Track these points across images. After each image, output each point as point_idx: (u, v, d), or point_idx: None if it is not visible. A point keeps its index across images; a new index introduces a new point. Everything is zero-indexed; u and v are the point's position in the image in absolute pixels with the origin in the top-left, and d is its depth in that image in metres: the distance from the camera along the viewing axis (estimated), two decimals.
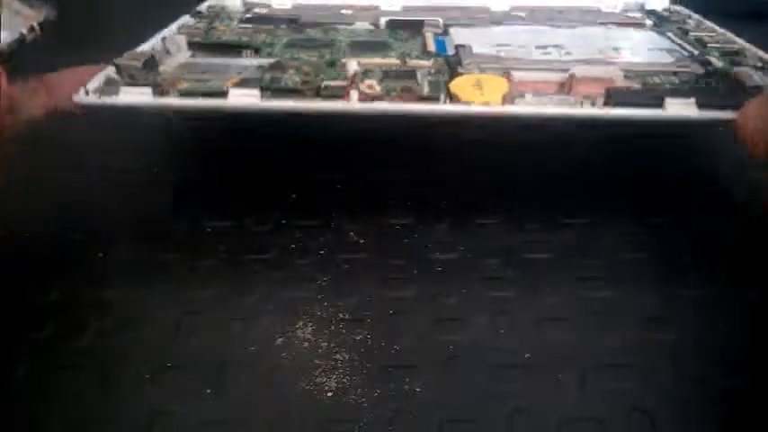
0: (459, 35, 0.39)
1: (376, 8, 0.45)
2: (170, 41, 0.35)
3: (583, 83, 0.32)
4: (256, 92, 0.30)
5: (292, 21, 0.41)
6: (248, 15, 0.43)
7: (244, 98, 0.30)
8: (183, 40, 0.36)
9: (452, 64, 0.35)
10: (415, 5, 0.45)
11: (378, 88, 0.31)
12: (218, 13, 0.43)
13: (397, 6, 0.46)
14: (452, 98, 0.30)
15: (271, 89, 0.31)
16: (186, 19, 0.41)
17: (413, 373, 0.24)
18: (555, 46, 0.38)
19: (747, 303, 0.27)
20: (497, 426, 0.23)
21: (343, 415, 0.23)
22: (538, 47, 0.38)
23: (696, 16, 0.44)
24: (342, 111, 0.30)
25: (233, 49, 0.37)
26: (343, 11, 0.44)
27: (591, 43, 0.39)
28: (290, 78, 0.32)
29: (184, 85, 0.31)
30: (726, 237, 0.30)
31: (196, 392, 0.23)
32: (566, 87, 0.32)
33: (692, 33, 0.40)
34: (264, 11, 0.44)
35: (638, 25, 0.43)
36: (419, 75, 0.33)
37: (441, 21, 0.41)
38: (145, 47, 0.34)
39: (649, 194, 0.33)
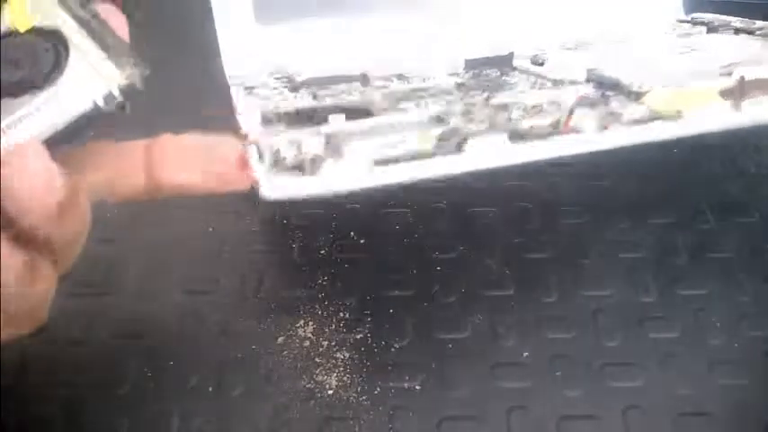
0: (561, 61, 0.36)
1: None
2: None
3: (756, 86, 0.29)
4: (503, 136, 0.24)
5: (363, 77, 0.36)
6: (300, 79, 0.36)
7: (489, 147, 0.24)
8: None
9: (614, 86, 0.31)
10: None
11: (590, 120, 0.26)
12: (254, 84, 0.36)
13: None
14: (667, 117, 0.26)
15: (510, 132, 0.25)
16: (235, 90, 0.34)
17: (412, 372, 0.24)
18: (681, 55, 0.34)
19: None
20: (496, 423, 0.23)
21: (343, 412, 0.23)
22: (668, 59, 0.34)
23: (730, 18, 0.43)
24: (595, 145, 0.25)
25: (318, 115, 0.30)
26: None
27: (707, 53, 0.36)
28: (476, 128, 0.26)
29: (375, 153, 0.24)
30: None
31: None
32: (736, 92, 0.29)
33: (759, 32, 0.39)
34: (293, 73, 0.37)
35: (698, 33, 0.41)
36: (609, 100, 0.29)
37: (530, 53, 0.38)
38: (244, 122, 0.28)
39: None
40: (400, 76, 0.36)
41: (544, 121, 0.26)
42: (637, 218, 0.30)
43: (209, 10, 0.39)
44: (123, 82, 0.20)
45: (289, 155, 0.24)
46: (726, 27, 0.42)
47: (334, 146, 0.25)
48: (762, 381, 0.24)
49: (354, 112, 0.30)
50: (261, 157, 0.24)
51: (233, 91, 0.34)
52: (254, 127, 0.26)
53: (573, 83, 0.33)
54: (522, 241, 0.29)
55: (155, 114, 0.33)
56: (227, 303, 0.27)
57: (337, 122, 0.29)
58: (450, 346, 0.25)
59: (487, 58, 0.37)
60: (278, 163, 0.24)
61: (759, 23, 0.41)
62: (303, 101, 0.33)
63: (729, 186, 0.29)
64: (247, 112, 0.29)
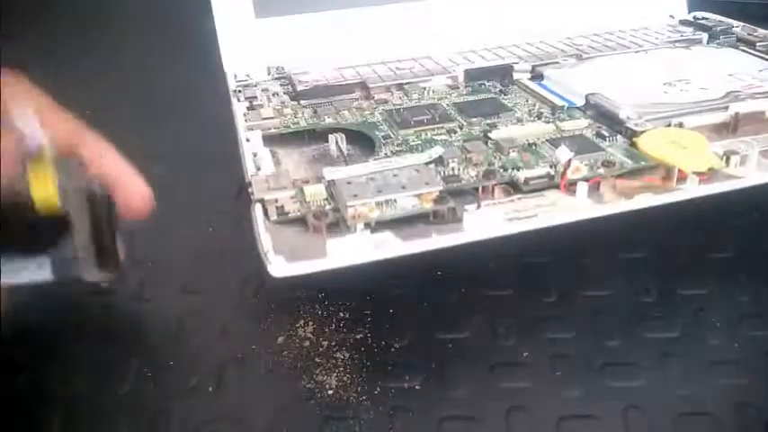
0: (560, 78, 0.36)
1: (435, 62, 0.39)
2: (256, 147, 0.29)
3: (750, 119, 0.30)
4: (500, 214, 0.25)
5: (363, 87, 0.36)
6: (301, 88, 0.35)
7: (485, 223, 0.25)
8: (258, 136, 0.30)
9: (609, 118, 0.31)
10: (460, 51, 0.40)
11: (583, 170, 0.27)
12: (254, 93, 0.36)
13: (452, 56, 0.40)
14: (658, 168, 0.27)
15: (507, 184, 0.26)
16: (238, 105, 0.34)
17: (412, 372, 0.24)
18: (680, 81, 0.35)
19: None
20: (496, 423, 0.23)
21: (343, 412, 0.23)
22: (665, 83, 0.35)
23: (731, 21, 0.43)
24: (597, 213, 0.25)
25: (319, 134, 0.31)
26: (400, 66, 0.38)
27: (705, 71, 0.36)
28: (474, 176, 0.27)
29: (375, 214, 0.24)
30: None
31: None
32: (729, 128, 0.30)
33: (760, 45, 0.39)
34: (307, 79, 0.37)
35: (696, 41, 0.41)
36: (604, 144, 0.29)
37: (529, 64, 0.38)
38: (249, 164, 0.28)
39: None
40: (400, 87, 0.36)
41: (540, 172, 0.27)
42: (638, 218, 0.30)
43: (208, 5, 0.39)
44: (97, 278, 0.22)
45: (292, 209, 0.25)
46: (727, 34, 0.42)
47: (336, 199, 0.25)
48: (762, 380, 0.24)
49: (355, 134, 0.31)
50: (266, 213, 0.25)
51: (234, 107, 0.34)
52: (260, 184, 0.26)
53: (570, 109, 0.33)
54: (522, 241, 0.29)
55: (153, 112, 0.33)
56: (227, 303, 0.27)
57: (336, 142, 0.30)
58: (450, 346, 0.25)
59: (487, 68, 0.37)
60: (282, 217, 0.25)
61: (760, 32, 0.41)
62: (304, 116, 0.33)
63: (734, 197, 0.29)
64: (251, 152, 0.29)
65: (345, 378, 0.24)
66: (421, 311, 0.27)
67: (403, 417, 0.23)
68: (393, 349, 0.25)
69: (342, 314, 0.26)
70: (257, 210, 0.25)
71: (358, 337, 0.26)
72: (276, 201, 0.25)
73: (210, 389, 0.24)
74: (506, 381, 0.24)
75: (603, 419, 0.23)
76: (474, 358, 0.25)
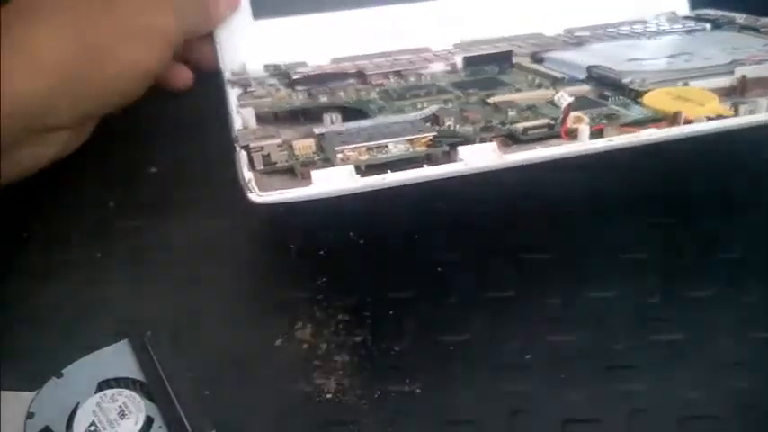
0: (561, 57, 0.35)
1: (429, 50, 0.39)
2: (248, 122, 0.28)
3: (758, 84, 0.29)
4: (492, 145, 0.24)
5: (359, 75, 0.35)
6: (296, 77, 0.35)
7: (479, 154, 0.23)
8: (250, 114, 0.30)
9: (614, 84, 0.30)
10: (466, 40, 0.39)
11: (585, 119, 0.26)
12: (249, 82, 0.36)
13: (448, 45, 0.39)
14: (664, 118, 0.26)
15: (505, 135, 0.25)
16: (232, 91, 0.33)
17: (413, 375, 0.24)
18: (683, 54, 0.34)
19: None
20: (498, 427, 0.23)
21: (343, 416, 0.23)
22: (668, 57, 0.34)
23: (735, 14, 0.43)
24: (592, 149, 0.24)
25: (314, 113, 0.30)
26: (398, 57, 0.38)
27: (709, 47, 0.35)
28: (471, 130, 0.26)
29: (365, 158, 0.24)
30: None
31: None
32: (738, 91, 0.29)
33: (763, 29, 0.38)
34: (305, 70, 0.36)
35: (699, 30, 0.41)
36: (607, 102, 0.28)
37: (529, 51, 0.37)
38: (237, 124, 0.28)
39: None
40: (397, 74, 0.35)
41: (540, 122, 0.25)
42: (640, 218, 0.30)
43: None
44: None
45: (279, 159, 0.24)
46: (730, 24, 0.42)
47: (325, 148, 0.24)
48: None
49: (350, 111, 0.30)
50: (252, 161, 0.24)
51: (227, 89, 0.33)
52: (244, 131, 0.25)
53: (572, 81, 0.32)
54: (523, 242, 0.29)
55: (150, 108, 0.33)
56: (224, 305, 0.27)
57: (331, 122, 0.29)
58: (452, 348, 0.25)
59: (487, 55, 0.37)
60: (268, 167, 0.24)
61: (763, 20, 0.40)
62: (299, 98, 0.32)
63: (735, 185, 0.28)
64: (240, 114, 0.29)
65: (344, 381, 0.24)
66: (421, 313, 0.26)
67: (403, 421, 0.23)
68: (393, 352, 0.25)
69: (341, 316, 0.26)
70: (242, 155, 0.24)
71: (357, 339, 0.25)
72: (262, 149, 0.24)
73: (207, 392, 0.23)
74: (509, 384, 0.24)
75: (608, 423, 0.22)
76: (475, 361, 0.25)
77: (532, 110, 0.28)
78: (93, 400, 0.22)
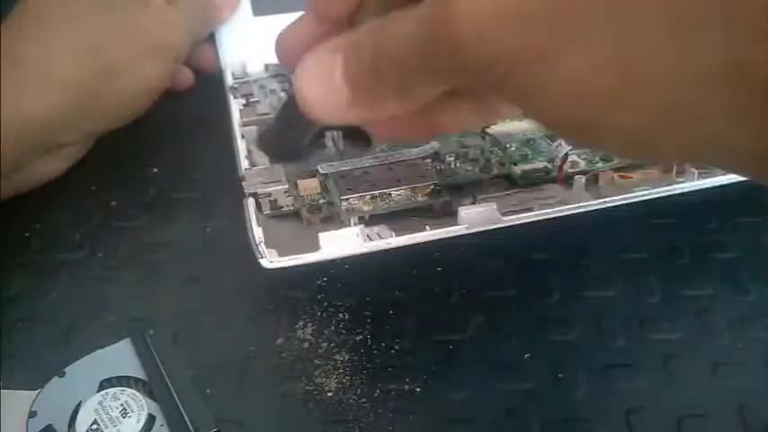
0: None
1: None
2: (251, 143, 0.29)
3: None
4: (493, 206, 0.24)
5: None
6: None
7: (480, 216, 0.24)
8: (253, 133, 0.30)
9: None
10: None
11: (581, 164, 0.27)
12: (251, 90, 0.35)
13: None
14: None
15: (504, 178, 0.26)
16: (234, 102, 0.34)
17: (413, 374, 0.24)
18: None
19: None
20: (497, 425, 0.23)
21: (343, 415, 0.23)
22: None
23: None
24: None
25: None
26: None
27: None
28: (470, 171, 0.27)
29: (368, 208, 0.24)
30: None
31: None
32: None
33: None
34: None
35: None
36: None
37: None
38: (243, 160, 0.28)
39: None
40: None
41: (537, 166, 0.26)
42: (639, 217, 0.30)
43: None
44: None
45: (286, 203, 0.25)
46: None
47: (329, 191, 0.25)
48: (765, 382, 0.24)
49: (352, 133, 0.30)
50: (259, 206, 0.24)
51: (230, 100, 0.33)
52: (252, 177, 0.26)
53: None
54: (523, 242, 0.29)
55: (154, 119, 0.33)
56: (226, 304, 0.27)
57: (332, 139, 0.29)
58: (451, 347, 0.25)
59: None
60: (275, 211, 0.24)
61: None
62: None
63: (732, 186, 0.28)
64: (245, 137, 0.29)
65: (345, 380, 0.24)
66: (421, 312, 0.26)
67: (403, 419, 0.23)
68: (393, 351, 0.25)
69: (341, 315, 0.26)
70: (249, 203, 0.25)
71: (357, 338, 0.25)
72: (269, 195, 0.25)
73: (208, 391, 0.24)
74: (507, 383, 0.24)
75: (606, 421, 0.23)
76: (475, 360, 0.25)
77: (530, 146, 0.28)
78: (95, 398, 0.22)
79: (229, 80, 0.36)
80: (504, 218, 0.24)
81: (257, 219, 0.24)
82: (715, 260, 0.28)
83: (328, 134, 0.30)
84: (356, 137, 0.30)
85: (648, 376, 0.24)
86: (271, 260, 0.22)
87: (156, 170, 0.34)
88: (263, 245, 0.22)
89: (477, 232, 0.24)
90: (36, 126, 0.27)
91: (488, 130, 0.29)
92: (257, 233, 0.23)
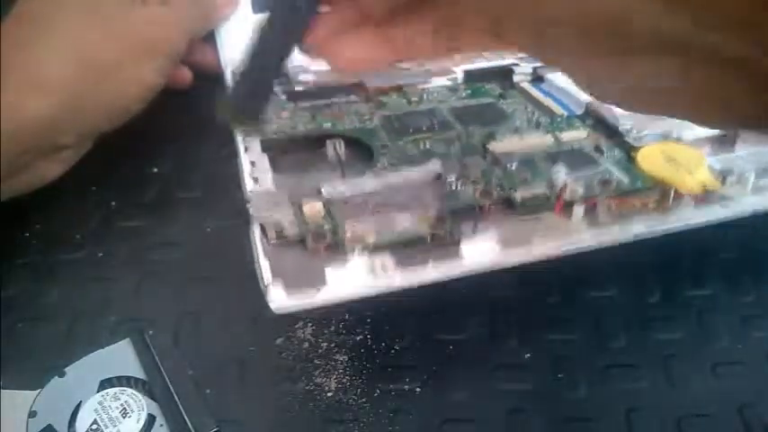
0: (561, 82, 0.34)
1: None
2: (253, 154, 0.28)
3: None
4: (494, 243, 0.24)
5: (359, 86, 0.34)
6: (299, 88, 0.34)
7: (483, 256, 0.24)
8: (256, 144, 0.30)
9: (608, 128, 0.30)
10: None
11: (579, 191, 0.26)
12: None
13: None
14: (654, 188, 0.27)
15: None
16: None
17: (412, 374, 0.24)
18: None
19: None
20: (497, 425, 0.23)
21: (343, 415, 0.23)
22: None
23: None
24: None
25: (317, 141, 0.31)
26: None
27: None
28: (471, 194, 0.27)
29: (372, 239, 0.24)
30: None
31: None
32: (729, 140, 0.29)
33: None
34: (306, 78, 0.35)
35: None
36: (602, 159, 0.28)
37: (530, 66, 0.36)
38: (248, 178, 0.27)
39: None
40: (398, 89, 0.35)
41: (536, 192, 0.26)
42: None
43: None
44: None
45: (291, 231, 0.25)
46: None
47: (334, 217, 0.25)
48: (765, 382, 0.24)
49: (354, 144, 0.30)
50: (264, 233, 0.24)
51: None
52: (258, 201, 0.26)
53: (570, 119, 0.32)
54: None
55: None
56: (226, 304, 0.27)
57: (334, 149, 0.30)
58: (451, 347, 0.25)
59: (487, 69, 0.37)
60: (281, 239, 0.24)
61: None
62: (302, 121, 0.32)
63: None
64: (248, 150, 0.29)
65: (345, 380, 0.24)
66: (421, 313, 0.26)
67: (403, 419, 0.23)
68: (393, 351, 0.25)
69: (341, 315, 0.26)
70: (256, 233, 0.25)
71: (357, 338, 0.25)
72: (275, 223, 0.25)
73: (209, 390, 0.24)
74: (507, 383, 0.24)
75: (606, 422, 0.23)
76: (475, 360, 0.25)
77: (531, 167, 0.28)
78: (95, 398, 0.22)
79: (229, 80, 0.36)
80: (505, 252, 0.25)
81: (263, 250, 0.24)
82: (715, 260, 0.28)
83: (329, 143, 0.30)
84: (358, 147, 0.30)
85: (648, 376, 0.24)
86: (279, 303, 0.23)
87: (156, 170, 0.34)
88: (270, 286, 0.23)
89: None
90: (32, 128, 0.27)
91: (489, 147, 0.30)
92: (265, 270, 0.23)
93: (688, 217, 0.26)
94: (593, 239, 0.25)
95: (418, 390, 0.24)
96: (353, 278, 0.23)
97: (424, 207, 0.25)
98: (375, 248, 0.24)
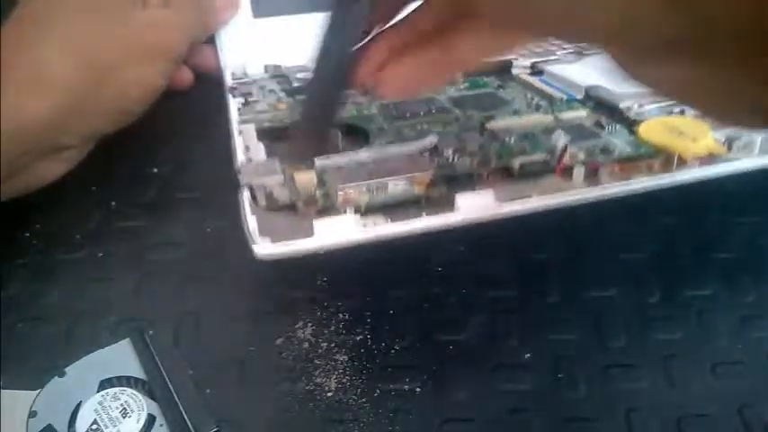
0: (560, 72, 0.34)
1: None
2: (249, 140, 0.28)
3: None
4: (489, 195, 0.24)
5: None
6: (296, 84, 0.35)
7: (477, 205, 0.24)
8: (251, 130, 0.30)
9: (609, 109, 0.30)
10: None
11: (580, 156, 0.26)
12: (250, 90, 0.35)
13: None
14: (657, 154, 0.26)
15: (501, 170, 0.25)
16: (233, 101, 0.33)
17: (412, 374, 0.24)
18: None
19: None
20: (497, 425, 0.23)
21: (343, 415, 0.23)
22: None
23: None
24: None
25: None
26: None
27: None
28: (468, 164, 0.27)
29: (365, 198, 0.24)
30: None
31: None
32: None
33: None
34: (304, 75, 0.36)
35: None
36: (603, 133, 0.28)
37: (528, 60, 0.37)
38: (240, 155, 0.27)
39: None
40: None
41: (535, 158, 0.26)
42: (639, 218, 0.30)
43: None
44: None
45: (282, 196, 0.24)
46: None
47: (326, 184, 0.24)
48: (765, 382, 0.24)
49: (351, 130, 0.30)
50: (254, 198, 0.24)
51: (229, 99, 0.33)
52: (248, 166, 0.25)
53: (570, 102, 0.32)
54: (524, 241, 0.29)
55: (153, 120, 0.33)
56: (226, 304, 0.27)
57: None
58: (451, 347, 0.25)
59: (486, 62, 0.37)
60: (271, 203, 0.24)
61: None
62: (299, 111, 0.32)
63: (732, 185, 0.28)
64: (242, 134, 0.29)
65: (345, 380, 0.24)
66: (421, 312, 0.26)
67: (403, 419, 0.23)
68: (393, 351, 0.25)
69: (341, 315, 0.26)
70: (244, 194, 0.24)
71: (357, 338, 0.25)
72: (265, 187, 0.25)
73: (209, 390, 0.24)
74: (508, 383, 0.24)
75: (606, 422, 0.23)
76: (475, 360, 0.25)
77: (529, 140, 0.28)
78: (95, 398, 0.22)
79: (229, 81, 0.36)
80: (502, 206, 0.24)
81: (252, 209, 0.24)
82: (715, 260, 0.28)
83: None
84: (355, 134, 0.30)
85: (648, 376, 0.24)
86: (264, 247, 0.22)
87: (156, 170, 0.34)
88: (255, 232, 0.22)
89: (475, 225, 0.24)
90: (33, 128, 0.27)
91: (487, 125, 0.29)
92: (251, 222, 0.23)
93: (694, 173, 0.25)
94: (595, 192, 0.25)
95: (418, 390, 0.24)
96: (343, 228, 0.23)
97: (419, 172, 0.25)
98: (368, 210, 0.24)
